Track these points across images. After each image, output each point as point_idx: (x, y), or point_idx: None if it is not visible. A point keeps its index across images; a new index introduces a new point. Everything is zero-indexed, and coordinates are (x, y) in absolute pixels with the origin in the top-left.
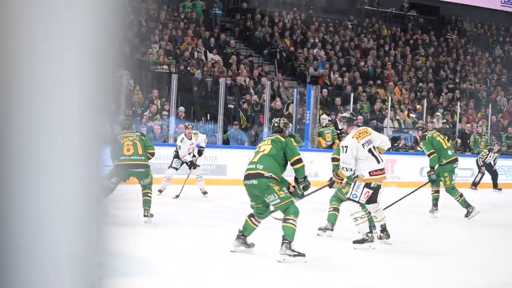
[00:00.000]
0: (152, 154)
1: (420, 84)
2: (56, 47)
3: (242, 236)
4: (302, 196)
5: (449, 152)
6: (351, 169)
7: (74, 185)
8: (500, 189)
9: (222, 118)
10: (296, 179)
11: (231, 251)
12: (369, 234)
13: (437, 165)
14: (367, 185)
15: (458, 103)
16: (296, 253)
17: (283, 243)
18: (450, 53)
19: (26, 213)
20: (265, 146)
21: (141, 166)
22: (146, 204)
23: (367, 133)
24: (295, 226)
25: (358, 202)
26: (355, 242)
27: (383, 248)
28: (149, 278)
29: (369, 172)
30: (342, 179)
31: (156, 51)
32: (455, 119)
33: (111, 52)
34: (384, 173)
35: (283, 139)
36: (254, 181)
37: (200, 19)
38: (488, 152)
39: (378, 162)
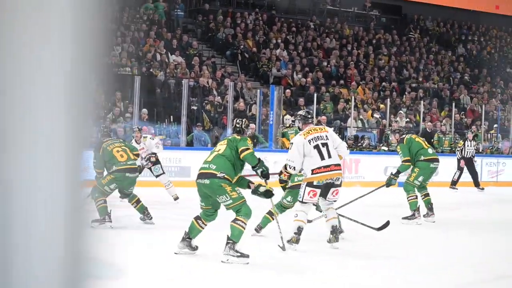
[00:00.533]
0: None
1: (383, 83)
2: (39, 48)
3: (188, 238)
4: (267, 192)
5: (429, 151)
6: (294, 167)
7: (59, 189)
8: (482, 189)
9: (186, 120)
10: (253, 169)
11: (175, 253)
12: (296, 236)
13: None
14: (309, 184)
15: (422, 102)
16: (239, 254)
17: (227, 243)
18: (413, 52)
19: (11, 216)
20: (221, 146)
21: (136, 170)
22: (144, 208)
23: (321, 130)
24: (244, 228)
25: (301, 202)
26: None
27: (382, 247)
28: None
29: (312, 170)
30: (290, 175)
31: (118, 53)
32: (418, 118)
33: (95, 55)
34: (331, 170)
35: (238, 137)
36: (206, 181)
37: (162, 21)
38: (463, 142)
39: (322, 159)
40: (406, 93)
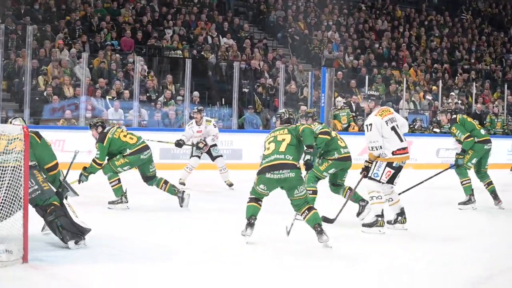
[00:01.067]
0: None
1: (435, 65)
2: None
3: (254, 221)
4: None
5: (482, 132)
6: (380, 146)
7: None
8: None
9: (237, 103)
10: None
11: (248, 243)
12: (380, 218)
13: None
14: (389, 164)
15: (474, 83)
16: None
17: (320, 231)
18: (465, 34)
19: None
20: (284, 136)
21: (148, 148)
22: (174, 187)
23: (389, 111)
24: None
25: (379, 181)
26: (364, 225)
27: (395, 233)
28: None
29: (392, 152)
30: (372, 162)
31: (169, 36)
32: (470, 100)
33: None
34: (407, 152)
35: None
36: (291, 174)
37: (214, 4)
38: None
39: (401, 140)
40: (458, 74)
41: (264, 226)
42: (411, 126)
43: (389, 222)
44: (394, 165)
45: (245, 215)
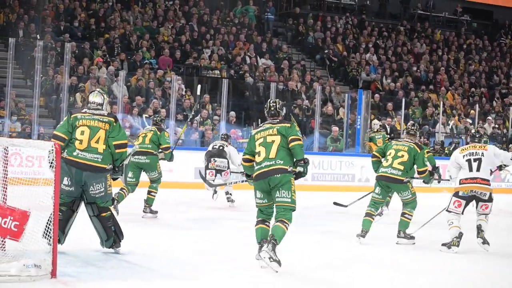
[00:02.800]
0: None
1: (473, 89)
2: None
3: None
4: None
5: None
6: (450, 176)
7: None
8: None
9: None
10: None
11: (262, 267)
12: (455, 239)
13: None
14: (455, 194)
15: (511, 108)
16: (276, 259)
17: (271, 241)
18: (504, 58)
19: None
20: (274, 137)
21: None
22: (148, 202)
23: (480, 147)
24: (287, 230)
25: (447, 211)
26: (442, 244)
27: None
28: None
29: (460, 180)
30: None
31: (208, 56)
32: (507, 125)
33: None
34: (476, 182)
35: (287, 125)
36: (277, 175)
37: (252, 24)
38: None
39: (470, 170)
40: (495, 99)
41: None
42: (448, 149)
43: (444, 245)
44: (460, 194)
45: (256, 240)
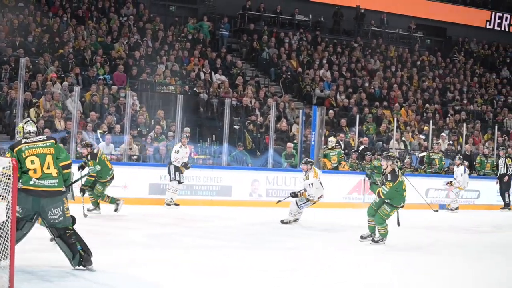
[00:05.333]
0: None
1: (427, 105)
2: None
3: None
4: None
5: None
6: None
7: None
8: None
9: (227, 139)
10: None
11: None
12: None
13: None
14: None
15: (465, 124)
16: None
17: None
18: (457, 75)
19: None
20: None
21: None
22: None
23: None
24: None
25: None
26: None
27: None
28: None
29: None
30: None
31: (162, 72)
32: (461, 141)
33: None
34: None
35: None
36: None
37: (207, 40)
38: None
39: None
40: (449, 115)
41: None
42: (402, 165)
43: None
44: None
45: None
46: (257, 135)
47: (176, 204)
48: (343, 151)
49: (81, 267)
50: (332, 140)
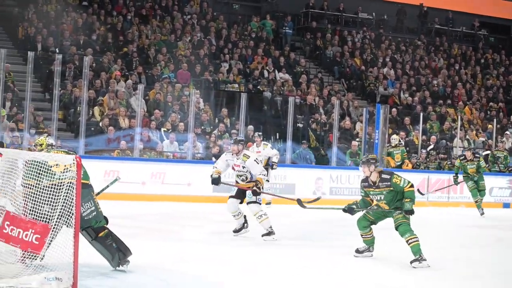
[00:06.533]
0: None
1: (491, 103)
2: None
3: None
4: None
5: None
6: None
7: None
8: None
9: (291, 137)
10: None
11: None
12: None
13: None
14: None
15: None
16: None
17: None
18: None
19: None
20: None
21: None
22: None
23: None
24: None
25: None
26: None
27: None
28: None
29: None
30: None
31: (226, 70)
32: None
33: None
34: None
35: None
36: None
37: (270, 38)
38: None
39: None
40: None
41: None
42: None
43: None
44: None
45: None
46: (321, 133)
47: (268, 203)
48: (406, 149)
49: (120, 267)
50: (395, 138)
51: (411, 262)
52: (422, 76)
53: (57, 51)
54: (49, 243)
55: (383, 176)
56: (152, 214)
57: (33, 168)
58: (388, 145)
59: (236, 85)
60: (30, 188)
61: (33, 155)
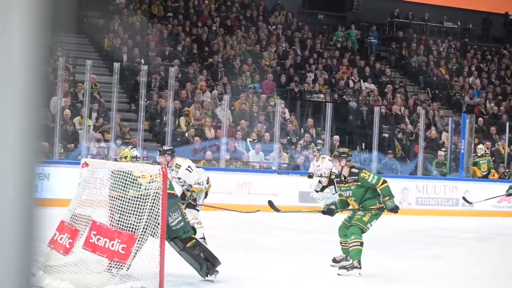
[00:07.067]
0: None
1: None
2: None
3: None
4: None
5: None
6: None
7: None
8: None
9: (377, 147)
10: None
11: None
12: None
13: None
14: None
15: None
16: None
17: None
18: None
19: None
20: None
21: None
22: None
23: None
24: None
25: None
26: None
27: None
28: None
29: None
30: None
31: (311, 80)
32: None
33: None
34: None
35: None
36: None
37: (355, 48)
38: None
39: None
40: None
41: None
42: None
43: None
44: None
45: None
46: (407, 143)
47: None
48: (492, 159)
49: (209, 277)
50: (481, 147)
51: (339, 268)
52: (508, 85)
53: (143, 62)
54: (135, 253)
55: (353, 170)
56: (238, 224)
57: (119, 179)
58: (474, 155)
59: (322, 95)
60: (117, 199)
61: (119, 165)
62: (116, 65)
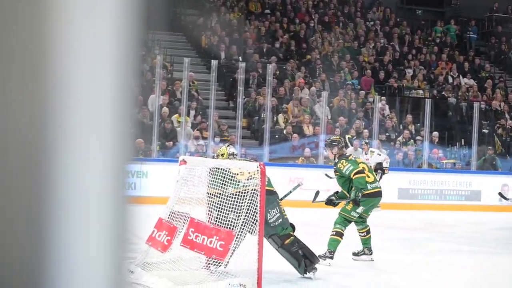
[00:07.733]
0: None
1: None
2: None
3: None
4: None
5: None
6: None
7: (100, 207)
8: None
9: (477, 143)
10: None
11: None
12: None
13: None
14: None
15: None
16: None
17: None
18: None
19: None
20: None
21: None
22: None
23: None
24: None
25: None
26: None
27: None
28: None
29: None
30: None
31: (410, 76)
32: None
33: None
34: None
35: None
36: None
37: (454, 43)
38: None
39: None
40: None
41: None
42: None
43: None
44: None
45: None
46: (507, 139)
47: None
48: None
49: (307, 274)
50: None
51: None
52: None
53: (240, 59)
54: (233, 250)
55: (337, 160)
56: (328, 220)
57: (217, 176)
58: None
59: (421, 91)
60: (215, 196)
61: (217, 162)
62: (214, 62)
